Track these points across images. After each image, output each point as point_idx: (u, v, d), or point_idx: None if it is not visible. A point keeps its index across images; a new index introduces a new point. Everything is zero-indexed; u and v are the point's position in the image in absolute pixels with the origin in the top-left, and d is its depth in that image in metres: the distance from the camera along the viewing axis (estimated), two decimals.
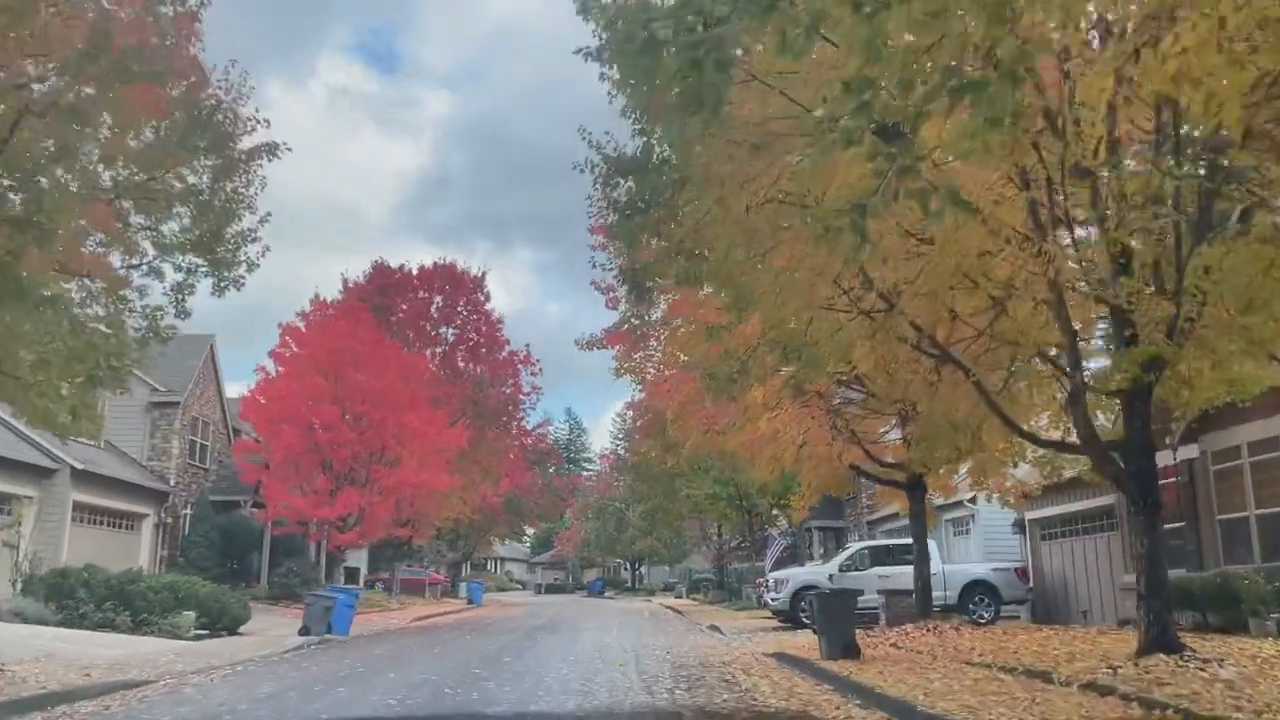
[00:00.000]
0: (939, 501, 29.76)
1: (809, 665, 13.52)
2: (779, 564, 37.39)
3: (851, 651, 13.43)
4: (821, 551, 41.83)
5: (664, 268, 11.75)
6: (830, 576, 21.74)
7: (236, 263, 12.83)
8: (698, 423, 17.23)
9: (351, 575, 54.04)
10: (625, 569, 79.12)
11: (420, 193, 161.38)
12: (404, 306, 38.91)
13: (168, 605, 19.36)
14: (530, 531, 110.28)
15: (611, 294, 17.95)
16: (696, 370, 15.20)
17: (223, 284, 12.70)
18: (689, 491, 34.48)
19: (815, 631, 14.03)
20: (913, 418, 14.64)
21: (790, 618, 22.09)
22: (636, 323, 18.01)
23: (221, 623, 19.87)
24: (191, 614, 19.15)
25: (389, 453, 30.37)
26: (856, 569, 21.87)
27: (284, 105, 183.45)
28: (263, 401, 29.09)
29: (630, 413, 46.65)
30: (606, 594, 69.19)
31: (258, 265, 13.05)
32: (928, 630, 15.96)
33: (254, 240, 13.09)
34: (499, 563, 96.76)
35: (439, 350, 39.81)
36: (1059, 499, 21.05)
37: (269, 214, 13.22)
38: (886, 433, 17.89)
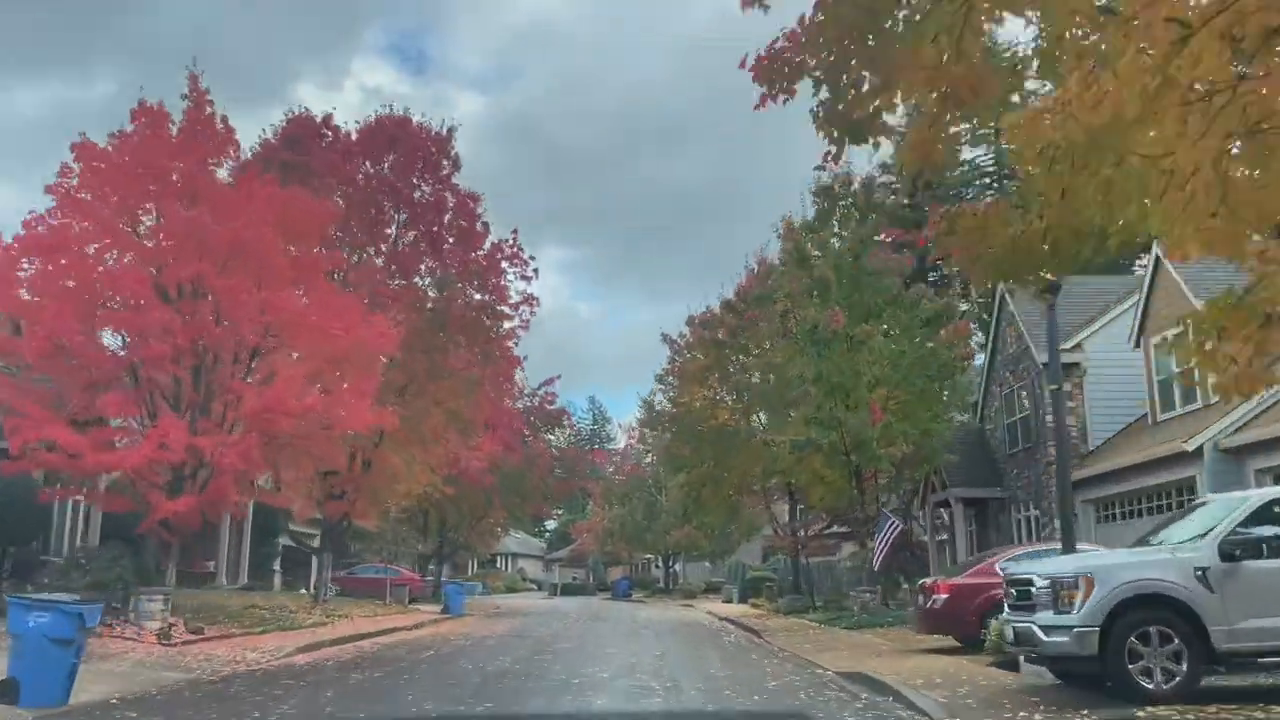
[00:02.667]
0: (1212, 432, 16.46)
1: None
2: (892, 553, 24.41)
3: None
4: (943, 538, 28.74)
5: None
6: (1200, 573, 8.67)
7: None
8: None
9: (296, 570, 41.41)
10: (656, 565, 66.11)
11: None
12: (332, 182, 25.98)
13: None
14: (550, 526, 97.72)
15: None
16: None
17: None
18: (769, 438, 21.49)
19: None
20: None
21: (1097, 674, 9.07)
22: None
23: None
24: None
25: (261, 358, 17.66)
26: (1271, 553, 8.78)
27: (317, 107, 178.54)
28: (16, 262, 16.29)
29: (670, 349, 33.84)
30: (634, 596, 56.27)
31: None
32: None
33: None
34: (510, 559, 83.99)
35: (384, 247, 26.86)
36: None
37: None
38: None
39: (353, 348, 17.75)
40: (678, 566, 61.88)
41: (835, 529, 30.91)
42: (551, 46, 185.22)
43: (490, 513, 44.64)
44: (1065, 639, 8.83)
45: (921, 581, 15.43)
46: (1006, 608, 10.05)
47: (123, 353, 16.70)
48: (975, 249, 7.80)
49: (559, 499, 46.85)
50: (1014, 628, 9.59)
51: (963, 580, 13.96)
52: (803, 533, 31.28)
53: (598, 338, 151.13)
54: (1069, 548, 11.21)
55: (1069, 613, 8.83)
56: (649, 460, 58.19)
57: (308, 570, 42.56)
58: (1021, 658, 10.41)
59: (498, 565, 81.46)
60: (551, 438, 46.30)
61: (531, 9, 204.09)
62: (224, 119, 17.88)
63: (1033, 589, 9.32)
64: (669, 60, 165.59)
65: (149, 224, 17.48)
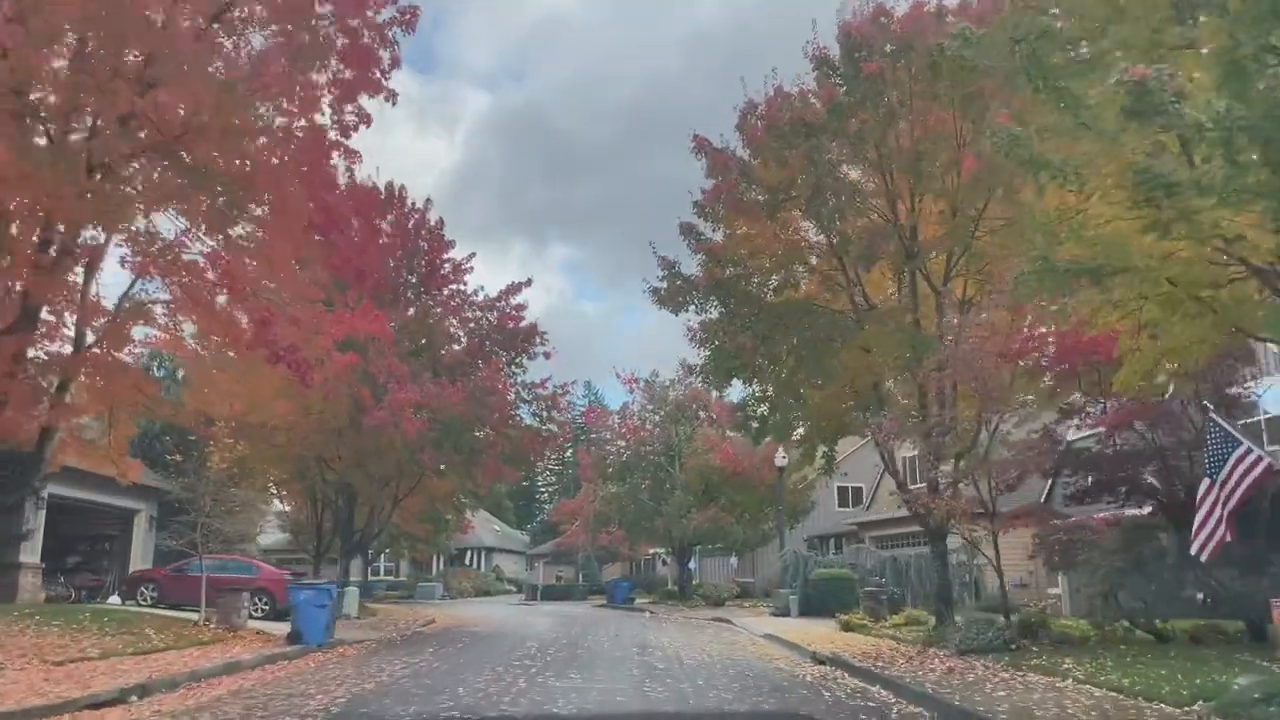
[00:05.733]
0: None
1: None
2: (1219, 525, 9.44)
3: None
4: None
5: None
6: None
7: None
8: None
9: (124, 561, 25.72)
10: (664, 562, 51.06)
11: (455, 189, 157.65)
12: None
13: None
14: (540, 517, 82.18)
15: None
16: None
17: None
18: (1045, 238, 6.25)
19: None
20: None
21: None
22: None
23: None
24: None
25: None
26: None
27: None
28: None
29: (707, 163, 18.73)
30: (637, 602, 41.12)
31: None
32: None
33: None
34: (483, 555, 68.64)
35: None
36: None
37: None
38: None
39: None
40: (692, 564, 46.55)
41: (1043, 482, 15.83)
42: (559, 43, 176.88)
43: (424, 480, 29.66)
44: None
45: None
46: None
47: None
48: None
49: (522, 459, 30.84)
50: None
51: None
52: (976, 489, 16.22)
53: (604, 339, 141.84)
54: None
55: None
56: (656, 419, 43.31)
57: (126, 564, 27.41)
58: None
59: (468, 562, 66.34)
60: (518, 370, 30.90)
61: (541, 5, 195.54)
62: None
63: None
64: (677, 56, 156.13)
65: None
